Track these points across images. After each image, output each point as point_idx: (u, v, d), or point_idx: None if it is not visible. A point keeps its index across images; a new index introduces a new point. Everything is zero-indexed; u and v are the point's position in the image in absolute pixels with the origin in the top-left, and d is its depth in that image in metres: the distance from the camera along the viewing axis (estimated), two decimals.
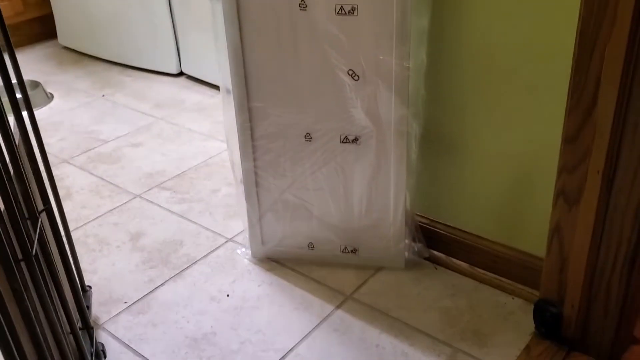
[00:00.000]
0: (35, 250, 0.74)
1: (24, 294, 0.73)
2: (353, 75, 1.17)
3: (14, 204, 0.73)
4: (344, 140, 1.23)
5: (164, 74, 2.38)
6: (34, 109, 1.04)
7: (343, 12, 1.12)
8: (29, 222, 0.78)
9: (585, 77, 0.92)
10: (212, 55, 2.13)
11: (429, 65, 1.19)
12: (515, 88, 1.12)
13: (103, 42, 2.50)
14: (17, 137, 0.94)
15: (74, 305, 1.05)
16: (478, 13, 1.10)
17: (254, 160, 1.28)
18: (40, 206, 0.87)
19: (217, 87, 2.21)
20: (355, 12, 1.12)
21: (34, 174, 0.89)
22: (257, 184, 1.31)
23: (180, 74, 2.37)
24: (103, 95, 2.22)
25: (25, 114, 0.95)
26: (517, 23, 1.07)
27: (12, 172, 0.82)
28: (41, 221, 0.82)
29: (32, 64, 2.54)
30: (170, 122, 2.03)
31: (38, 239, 0.77)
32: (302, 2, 1.13)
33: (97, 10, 2.45)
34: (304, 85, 1.20)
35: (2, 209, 0.72)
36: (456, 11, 1.13)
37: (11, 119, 0.89)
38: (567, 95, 0.96)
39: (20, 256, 0.71)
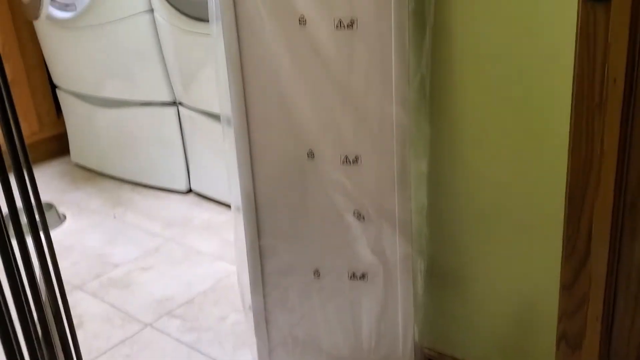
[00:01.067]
0: None
1: None
2: (358, 216, 1.24)
3: None
4: (352, 277, 1.28)
5: (174, 192, 2.46)
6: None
7: (348, 161, 1.21)
8: None
9: (577, 230, 0.98)
10: (220, 173, 2.22)
11: (429, 205, 1.26)
12: (511, 227, 1.18)
13: (114, 160, 2.61)
14: (44, 292, 0.99)
15: None
16: (472, 157, 1.19)
17: (264, 296, 1.33)
18: None
19: (225, 204, 2.29)
20: (359, 161, 1.21)
21: (59, 335, 0.93)
22: (266, 320, 1.34)
23: (189, 191, 2.45)
24: (114, 216, 2.30)
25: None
26: (510, 167, 1.15)
27: (40, 335, 0.87)
28: None
29: (45, 182, 2.63)
30: (179, 242, 2.08)
31: None
32: (310, 152, 1.22)
33: (108, 128, 2.57)
34: (313, 225, 1.27)
35: None
36: (452, 156, 1.21)
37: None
38: (562, 240, 1.02)
39: None
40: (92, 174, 2.68)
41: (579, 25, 0.88)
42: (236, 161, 1.27)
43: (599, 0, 0.87)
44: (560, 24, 0.98)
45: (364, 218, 1.24)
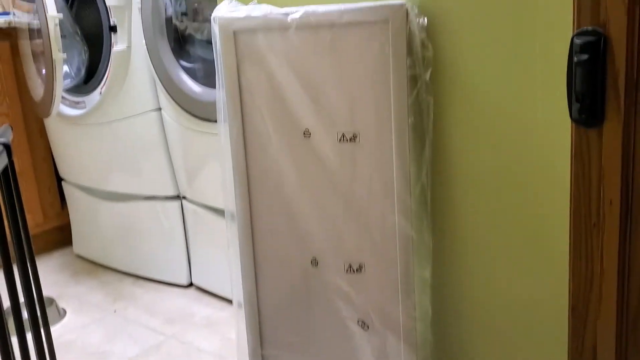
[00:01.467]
0: None
1: None
2: (362, 325, 1.24)
3: None
4: None
5: (174, 285, 2.45)
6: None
7: (351, 270, 1.22)
8: None
9: (581, 346, 0.98)
10: (221, 267, 2.22)
11: (434, 313, 1.26)
12: (515, 336, 1.18)
13: (116, 252, 2.62)
14: None
15: None
16: (474, 266, 1.20)
17: None
18: None
19: (226, 299, 2.28)
20: (363, 270, 1.22)
21: None
22: None
23: (190, 285, 2.44)
24: (115, 311, 2.28)
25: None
26: (512, 276, 1.16)
27: None
28: None
29: (47, 274, 2.62)
30: (179, 340, 2.06)
31: None
32: (314, 260, 1.24)
33: (112, 221, 2.59)
34: (316, 334, 1.27)
35: None
36: (454, 264, 1.23)
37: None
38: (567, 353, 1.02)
39: None
40: (94, 266, 2.68)
41: (573, 149, 0.92)
42: (239, 265, 1.29)
43: (592, 125, 0.91)
44: (556, 144, 1.03)
45: (368, 327, 1.24)
